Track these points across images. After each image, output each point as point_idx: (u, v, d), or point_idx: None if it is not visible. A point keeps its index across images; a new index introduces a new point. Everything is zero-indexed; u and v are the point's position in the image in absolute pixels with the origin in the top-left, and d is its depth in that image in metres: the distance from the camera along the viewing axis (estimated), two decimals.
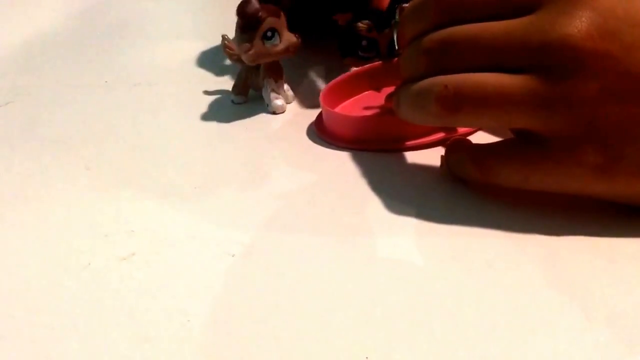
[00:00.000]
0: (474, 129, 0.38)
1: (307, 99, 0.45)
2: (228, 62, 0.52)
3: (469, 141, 0.34)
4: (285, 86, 0.44)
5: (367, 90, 0.44)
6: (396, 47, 0.41)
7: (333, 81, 0.43)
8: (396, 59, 0.43)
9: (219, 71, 0.51)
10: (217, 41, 0.54)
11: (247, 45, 0.41)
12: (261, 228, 0.32)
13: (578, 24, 0.27)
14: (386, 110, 0.40)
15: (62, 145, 0.42)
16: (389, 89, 0.43)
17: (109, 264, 0.30)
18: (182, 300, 0.28)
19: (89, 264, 0.30)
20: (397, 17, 0.41)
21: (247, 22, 0.41)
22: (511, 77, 0.28)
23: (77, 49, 0.59)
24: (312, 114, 0.43)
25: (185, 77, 0.51)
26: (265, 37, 0.41)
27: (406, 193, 0.34)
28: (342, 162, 0.37)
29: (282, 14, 0.42)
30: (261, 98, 0.45)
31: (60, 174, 0.38)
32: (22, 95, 0.50)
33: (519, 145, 0.30)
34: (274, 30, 0.41)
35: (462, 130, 0.38)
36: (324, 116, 0.41)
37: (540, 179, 0.29)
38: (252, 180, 0.36)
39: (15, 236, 0.33)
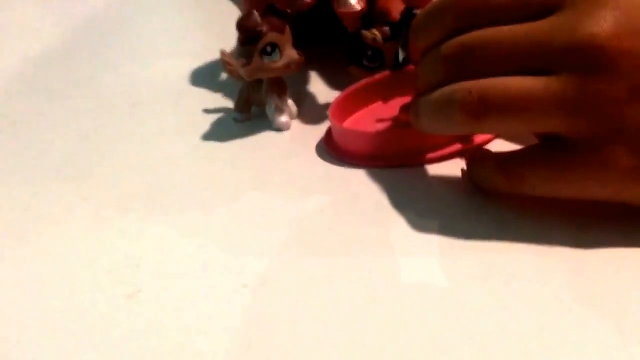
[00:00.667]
0: (491, 138, 0.36)
1: (312, 114, 0.43)
2: (225, 77, 0.50)
3: (489, 151, 0.33)
4: (289, 101, 0.42)
5: (375, 102, 0.42)
6: (400, 59, 0.40)
7: (340, 95, 0.41)
8: (404, 68, 0.41)
9: (218, 88, 0.49)
10: (212, 57, 0.53)
11: (243, 60, 0.39)
12: (275, 255, 0.30)
13: (602, 24, 0.26)
14: (400, 123, 0.38)
15: (55, 174, 0.40)
16: (398, 100, 0.41)
17: (114, 302, 0.28)
18: (195, 339, 0.26)
19: (93, 304, 0.28)
20: (404, 30, 0.39)
21: (246, 36, 0.39)
22: (536, 80, 0.28)
23: (64, 71, 0.57)
24: (318, 129, 0.41)
25: (181, 96, 0.49)
26: (264, 52, 0.39)
27: (426, 209, 0.32)
28: (355, 180, 0.35)
29: (287, 29, 0.40)
30: (264, 115, 0.43)
31: (55, 206, 0.36)
32: (8, 123, 0.48)
33: (547, 151, 0.29)
34: (274, 46, 0.39)
35: (478, 140, 0.36)
36: (334, 133, 0.39)
37: (570, 185, 0.28)
38: (262, 203, 0.34)
39: (11, 276, 0.31)
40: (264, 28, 0.38)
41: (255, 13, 0.39)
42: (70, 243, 0.33)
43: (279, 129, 0.41)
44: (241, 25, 0.39)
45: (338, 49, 0.45)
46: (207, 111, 0.45)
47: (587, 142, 0.27)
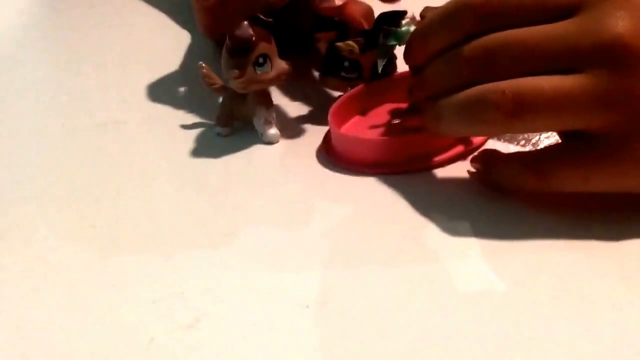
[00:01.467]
0: (487, 139, 0.38)
1: (296, 124, 0.43)
2: (183, 90, 0.49)
3: (498, 151, 0.34)
4: (274, 114, 0.42)
5: (364, 109, 0.43)
6: (379, 69, 0.41)
7: (335, 104, 0.41)
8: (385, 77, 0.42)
9: (194, 103, 0.47)
10: (169, 69, 0.52)
11: (236, 71, 0.39)
12: (326, 271, 0.30)
13: (626, 24, 0.28)
14: (405, 129, 0.39)
15: (54, 204, 0.37)
16: (387, 106, 0.42)
17: (174, 335, 0.27)
18: None
19: (152, 339, 0.27)
20: (381, 39, 0.41)
21: (238, 46, 0.38)
22: (565, 78, 0.29)
23: (32, 89, 0.53)
24: (308, 138, 0.41)
25: (155, 113, 0.47)
26: (256, 64, 0.39)
27: (452, 213, 0.33)
28: (369, 188, 0.35)
29: (272, 39, 0.40)
30: (247, 128, 0.42)
31: (65, 237, 0.34)
32: None
33: (576, 148, 0.30)
34: (265, 57, 0.39)
35: (476, 141, 0.38)
36: (337, 141, 0.39)
37: (601, 179, 0.30)
38: (286, 218, 0.34)
39: (57, 324, 0.28)
40: (256, 38, 0.38)
41: (246, 23, 0.38)
42: (97, 276, 0.31)
43: (269, 142, 0.41)
44: (233, 35, 0.38)
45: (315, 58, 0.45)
46: (185, 127, 0.44)
47: (616, 137, 0.29)
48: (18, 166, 0.42)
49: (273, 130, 0.41)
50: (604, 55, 0.28)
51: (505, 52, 0.30)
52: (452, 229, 0.32)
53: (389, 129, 0.40)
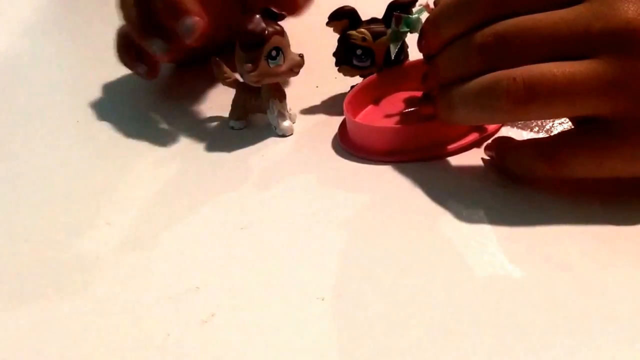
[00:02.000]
0: (500, 127, 0.38)
1: (311, 114, 0.43)
2: (205, 86, 0.49)
3: (512, 138, 0.34)
4: (288, 106, 0.42)
5: (378, 97, 0.43)
6: (392, 56, 0.41)
7: (350, 93, 0.41)
8: (399, 64, 0.42)
9: (208, 98, 0.48)
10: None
11: (250, 65, 0.39)
12: (342, 263, 0.30)
13: (636, 9, 0.28)
14: (420, 117, 0.38)
15: (69, 201, 0.38)
16: (401, 94, 0.42)
17: (190, 330, 0.27)
18: (285, 356, 0.25)
19: (168, 334, 0.27)
20: (393, 26, 0.40)
21: (251, 40, 0.38)
22: (577, 64, 0.29)
23: (47, 86, 0.54)
24: (323, 129, 0.41)
25: (169, 108, 0.47)
26: (269, 57, 0.39)
27: (466, 199, 0.33)
28: (386, 177, 0.35)
29: (285, 32, 0.39)
30: (261, 121, 0.42)
31: (81, 234, 0.34)
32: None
33: (588, 134, 0.30)
34: (278, 50, 0.39)
35: (490, 129, 0.37)
36: (353, 130, 0.39)
37: (614, 164, 0.30)
38: (305, 208, 0.34)
39: (74, 321, 0.29)
40: (269, 32, 0.38)
41: (259, 17, 0.38)
42: (114, 273, 0.31)
43: (283, 134, 0.41)
44: (246, 29, 0.38)
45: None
46: (200, 121, 0.44)
47: (628, 121, 0.29)
48: (33, 163, 0.43)
49: (286, 123, 0.41)
50: (614, 41, 0.28)
51: (516, 39, 0.30)
52: (467, 217, 0.31)
53: (403, 118, 0.40)
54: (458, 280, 0.28)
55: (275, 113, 0.41)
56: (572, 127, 0.33)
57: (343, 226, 0.32)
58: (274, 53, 0.39)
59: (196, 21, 0.38)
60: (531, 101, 0.29)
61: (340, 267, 0.30)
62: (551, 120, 0.38)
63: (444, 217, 0.32)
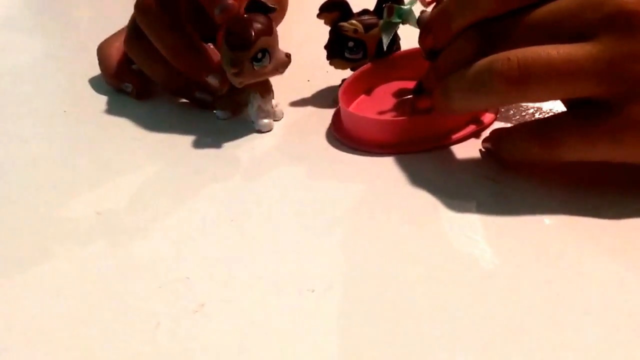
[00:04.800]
0: (495, 118, 0.38)
1: (303, 106, 0.43)
2: None
3: (507, 127, 0.34)
4: (274, 102, 0.41)
5: (371, 87, 0.43)
6: (384, 47, 0.41)
7: (344, 84, 0.41)
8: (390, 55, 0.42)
9: None
10: None
11: (234, 68, 0.38)
12: (333, 255, 0.30)
13: None
14: (416, 110, 0.38)
15: (57, 191, 0.37)
16: (394, 84, 0.42)
17: (180, 320, 0.27)
18: (281, 350, 0.25)
19: (159, 323, 0.27)
20: (385, 17, 0.40)
21: (238, 42, 0.37)
22: (571, 46, 0.29)
23: (33, 75, 0.53)
24: (315, 120, 0.41)
25: (156, 97, 0.47)
26: (254, 59, 0.38)
27: (459, 192, 0.33)
28: (379, 169, 0.35)
29: (275, 30, 0.39)
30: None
31: (70, 225, 0.34)
32: None
33: (582, 115, 0.30)
34: (265, 51, 0.38)
35: (487, 120, 0.38)
36: (347, 121, 0.39)
37: (607, 147, 0.29)
38: (298, 201, 0.34)
39: (64, 310, 0.28)
40: (257, 32, 0.37)
41: (248, 19, 0.38)
42: (104, 262, 0.31)
43: (259, 130, 0.41)
44: (234, 32, 0.37)
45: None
46: (188, 111, 0.43)
47: (623, 103, 0.29)
48: (21, 154, 0.42)
49: (265, 120, 0.41)
50: (609, 22, 0.29)
51: (512, 24, 0.31)
52: (460, 210, 0.31)
53: (396, 108, 0.40)
54: (448, 273, 0.28)
55: (255, 108, 0.40)
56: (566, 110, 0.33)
57: (333, 218, 0.32)
58: (260, 55, 0.38)
59: (231, 4, 0.38)
60: (525, 81, 0.29)
61: (331, 260, 0.30)
62: (546, 112, 0.38)
63: (437, 209, 0.32)
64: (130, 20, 0.45)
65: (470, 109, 0.34)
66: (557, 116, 0.32)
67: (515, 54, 0.30)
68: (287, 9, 0.51)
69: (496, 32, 0.31)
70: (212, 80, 0.40)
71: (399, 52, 0.42)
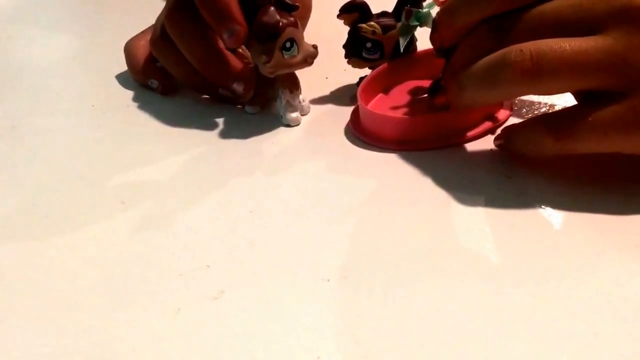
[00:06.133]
0: (510, 114, 0.39)
1: (324, 103, 0.45)
2: None
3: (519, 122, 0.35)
4: (301, 97, 0.43)
5: (388, 86, 0.44)
6: (401, 48, 0.42)
7: (363, 82, 0.42)
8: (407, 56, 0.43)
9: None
10: None
11: (265, 57, 0.40)
12: (349, 247, 0.31)
13: None
14: (432, 107, 0.38)
15: (85, 181, 0.39)
16: (409, 84, 0.44)
17: (200, 307, 0.28)
18: (297, 337, 0.26)
19: (179, 309, 0.28)
20: (403, 19, 0.41)
21: (266, 32, 0.39)
22: (583, 39, 0.30)
23: (62, 69, 0.55)
24: (335, 117, 0.42)
25: (183, 91, 0.49)
26: (284, 48, 0.40)
27: (473, 189, 0.34)
28: (395, 165, 0.36)
29: (299, 23, 0.40)
30: (274, 108, 0.43)
31: (95, 212, 0.35)
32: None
33: (594, 107, 0.31)
34: (292, 41, 0.40)
35: (501, 117, 0.39)
36: (366, 119, 0.40)
37: (619, 137, 0.30)
38: (314, 194, 0.35)
39: (88, 298, 0.30)
40: (283, 23, 0.39)
41: (273, 9, 0.39)
42: (125, 250, 0.32)
43: (288, 124, 0.42)
44: (261, 22, 0.39)
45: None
46: (215, 105, 0.45)
47: (634, 94, 0.29)
48: (51, 145, 0.44)
49: (294, 114, 0.42)
50: (619, 16, 0.29)
51: (524, 20, 0.31)
52: (474, 205, 0.32)
53: (413, 106, 0.41)
54: (462, 266, 0.29)
55: (283, 102, 0.42)
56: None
57: (350, 211, 0.33)
58: (288, 44, 0.40)
59: (239, 29, 0.40)
60: (538, 73, 0.30)
61: (346, 251, 0.31)
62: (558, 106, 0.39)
63: (451, 204, 0.33)
64: (156, 21, 0.47)
65: (484, 102, 0.35)
66: (569, 109, 0.32)
67: (528, 46, 0.30)
68: (311, 9, 0.52)
69: (508, 28, 0.32)
70: (237, 87, 0.42)
71: (415, 52, 0.43)
